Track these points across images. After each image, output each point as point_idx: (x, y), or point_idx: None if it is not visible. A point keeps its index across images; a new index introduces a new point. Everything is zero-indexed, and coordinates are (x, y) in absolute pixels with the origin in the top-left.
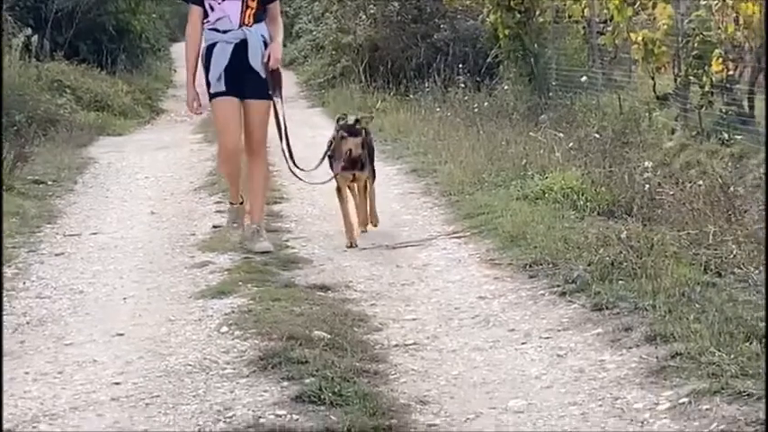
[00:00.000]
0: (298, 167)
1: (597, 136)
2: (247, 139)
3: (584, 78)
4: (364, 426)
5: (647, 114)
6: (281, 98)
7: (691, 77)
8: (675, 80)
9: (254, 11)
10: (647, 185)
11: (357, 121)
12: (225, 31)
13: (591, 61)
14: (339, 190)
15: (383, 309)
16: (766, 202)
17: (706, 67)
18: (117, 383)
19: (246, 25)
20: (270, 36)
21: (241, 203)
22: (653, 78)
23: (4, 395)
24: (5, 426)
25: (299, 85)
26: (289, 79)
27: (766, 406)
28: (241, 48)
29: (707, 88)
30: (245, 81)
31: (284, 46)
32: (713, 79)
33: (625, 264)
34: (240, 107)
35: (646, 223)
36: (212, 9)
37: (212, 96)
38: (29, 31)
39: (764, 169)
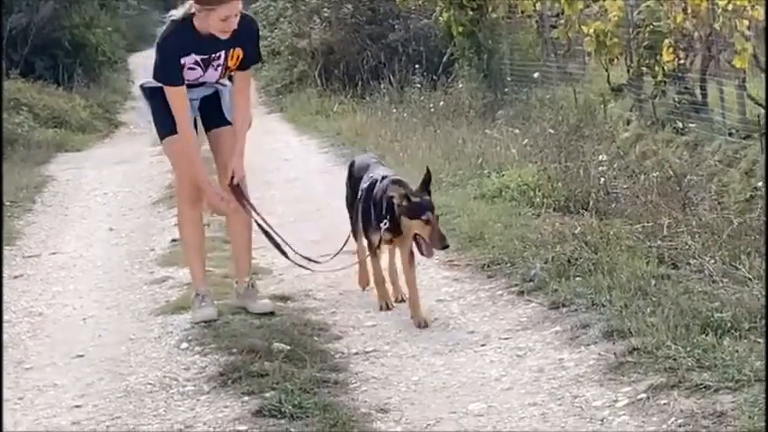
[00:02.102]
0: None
1: (552, 131)
2: (221, 173)
3: (536, 74)
4: None
5: (602, 106)
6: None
7: (643, 68)
8: (628, 71)
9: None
10: (603, 179)
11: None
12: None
13: (545, 55)
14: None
15: (343, 316)
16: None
17: (657, 57)
18: (78, 406)
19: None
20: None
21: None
22: (606, 70)
23: None
24: None
25: (258, 92)
26: None
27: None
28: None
29: (659, 78)
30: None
31: None
32: (665, 69)
33: (581, 260)
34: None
35: (602, 217)
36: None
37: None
38: None
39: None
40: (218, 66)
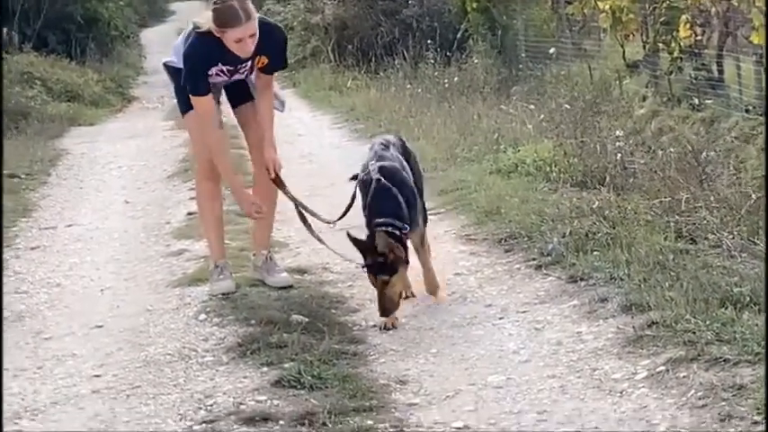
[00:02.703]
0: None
1: (568, 107)
2: (253, 150)
3: (552, 50)
4: (344, 408)
5: (617, 82)
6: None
7: (659, 44)
8: (644, 47)
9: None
10: (619, 154)
11: None
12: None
13: (560, 31)
14: None
15: (360, 289)
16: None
17: (674, 33)
18: (97, 376)
19: None
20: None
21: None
22: (622, 46)
23: None
24: None
25: None
26: None
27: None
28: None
29: (676, 54)
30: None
31: None
32: (682, 45)
33: (599, 234)
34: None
35: (619, 193)
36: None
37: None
38: None
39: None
40: (243, 71)
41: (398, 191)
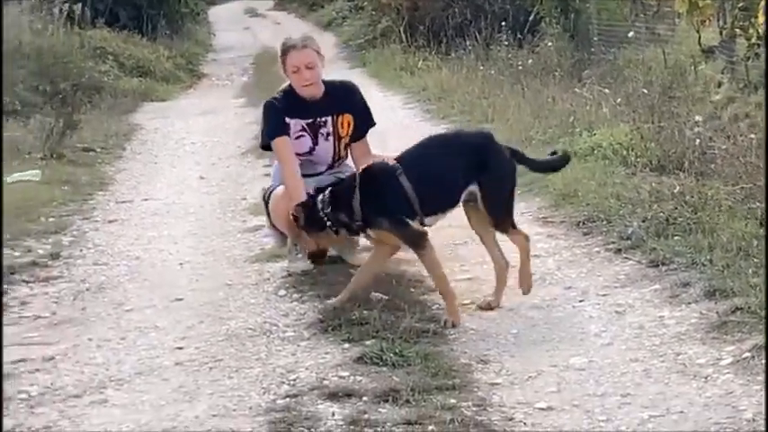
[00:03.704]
0: None
1: (645, 91)
2: None
3: (631, 33)
4: (427, 386)
5: (692, 68)
6: None
7: (737, 30)
8: (721, 33)
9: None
10: (698, 140)
11: None
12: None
13: (633, 15)
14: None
15: None
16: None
17: (752, 20)
18: (180, 348)
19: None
20: None
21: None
22: (698, 31)
23: (69, 361)
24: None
25: (338, 47)
26: (327, 41)
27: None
28: None
29: (753, 40)
30: None
31: (322, 7)
32: (759, 31)
33: (680, 219)
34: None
35: (698, 178)
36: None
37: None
38: None
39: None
40: (327, 135)
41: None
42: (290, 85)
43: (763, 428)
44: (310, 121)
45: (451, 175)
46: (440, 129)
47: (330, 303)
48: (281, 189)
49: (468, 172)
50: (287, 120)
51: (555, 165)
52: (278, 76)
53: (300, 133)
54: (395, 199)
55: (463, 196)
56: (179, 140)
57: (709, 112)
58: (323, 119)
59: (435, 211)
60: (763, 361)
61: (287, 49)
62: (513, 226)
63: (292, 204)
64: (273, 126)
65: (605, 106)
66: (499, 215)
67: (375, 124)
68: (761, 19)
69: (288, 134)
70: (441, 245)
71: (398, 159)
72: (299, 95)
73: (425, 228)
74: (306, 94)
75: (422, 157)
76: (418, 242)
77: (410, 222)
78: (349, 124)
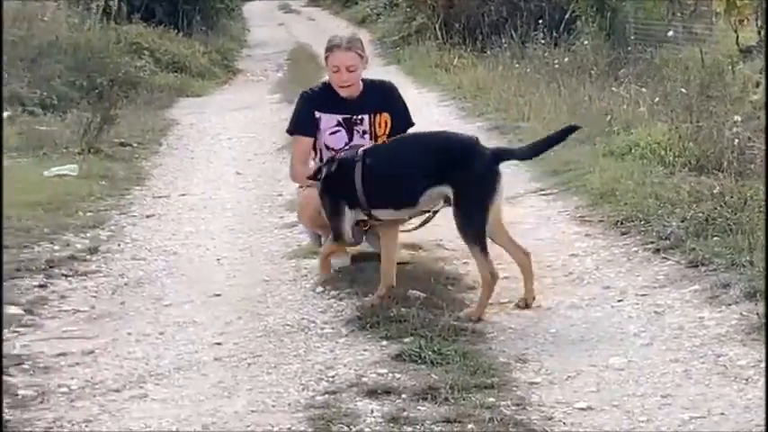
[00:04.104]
0: None
1: (683, 90)
2: None
3: (670, 33)
4: (466, 384)
5: (730, 68)
6: None
7: None
8: (759, 32)
9: None
10: (737, 140)
11: None
12: None
13: (670, 15)
14: None
15: (475, 267)
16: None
17: None
18: (218, 344)
19: None
20: None
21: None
22: (736, 31)
23: (109, 355)
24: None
25: (373, 43)
26: (362, 38)
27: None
28: None
29: None
30: None
31: (356, 3)
32: None
33: (719, 219)
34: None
35: (737, 178)
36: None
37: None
38: None
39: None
40: (363, 132)
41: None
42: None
43: None
44: (347, 116)
45: (409, 171)
46: (475, 126)
47: (368, 301)
48: (304, 194)
49: (437, 172)
50: (318, 114)
51: (552, 140)
52: (313, 73)
53: (336, 128)
54: (341, 186)
55: (433, 197)
56: (215, 136)
57: (748, 112)
58: (359, 117)
59: (386, 206)
60: None
61: (331, 48)
62: (483, 248)
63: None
64: (298, 120)
65: (642, 105)
66: (464, 222)
67: (414, 124)
68: None
69: (310, 131)
70: None
71: (367, 149)
72: (337, 93)
73: (377, 220)
74: (343, 94)
75: (386, 151)
76: (335, 234)
77: (344, 211)
78: (386, 123)
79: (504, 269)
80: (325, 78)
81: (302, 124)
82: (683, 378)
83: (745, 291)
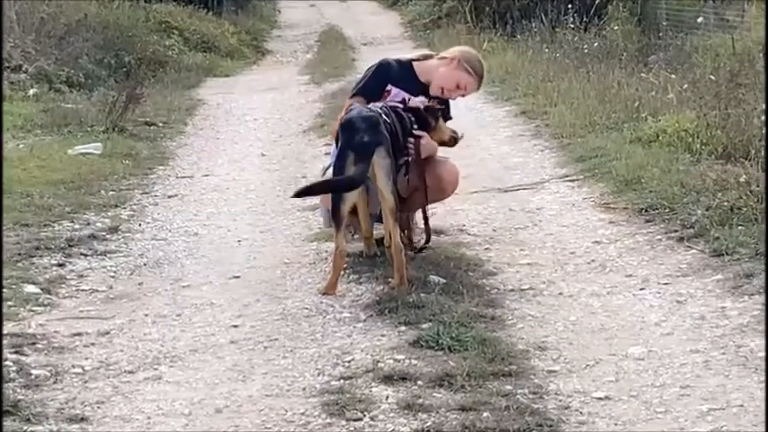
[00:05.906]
0: None
1: (712, 77)
2: None
3: (700, 19)
4: (483, 371)
5: (761, 55)
6: None
7: None
8: None
9: None
10: (765, 128)
11: None
12: None
13: (702, 1)
14: None
15: (497, 253)
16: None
17: None
18: (235, 326)
19: None
20: None
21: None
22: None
23: (124, 336)
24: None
25: (404, 26)
26: (392, 20)
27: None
28: None
29: None
30: None
31: None
32: None
33: (744, 209)
34: None
35: (764, 167)
36: None
37: None
38: None
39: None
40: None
41: None
42: (414, 62)
43: None
44: (408, 97)
45: None
46: (503, 111)
47: (389, 285)
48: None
49: None
50: (390, 87)
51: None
52: (343, 55)
53: (399, 104)
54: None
55: None
56: (241, 117)
57: None
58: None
59: None
60: None
61: (472, 70)
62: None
63: None
64: (367, 86)
65: (671, 92)
66: None
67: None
68: None
69: (372, 99)
70: (501, 228)
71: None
72: (417, 76)
73: None
74: (435, 92)
75: None
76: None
77: None
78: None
79: (527, 255)
80: (412, 56)
81: (369, 90)
82: (703, 369)
83: None
